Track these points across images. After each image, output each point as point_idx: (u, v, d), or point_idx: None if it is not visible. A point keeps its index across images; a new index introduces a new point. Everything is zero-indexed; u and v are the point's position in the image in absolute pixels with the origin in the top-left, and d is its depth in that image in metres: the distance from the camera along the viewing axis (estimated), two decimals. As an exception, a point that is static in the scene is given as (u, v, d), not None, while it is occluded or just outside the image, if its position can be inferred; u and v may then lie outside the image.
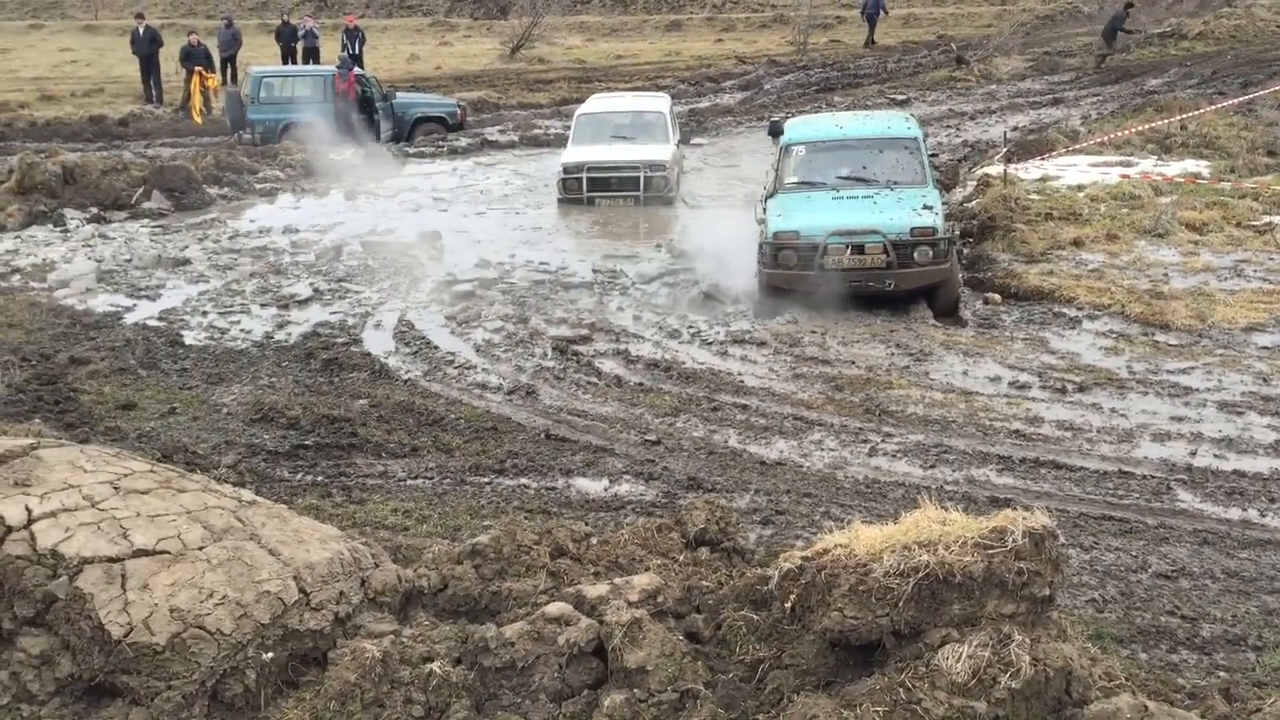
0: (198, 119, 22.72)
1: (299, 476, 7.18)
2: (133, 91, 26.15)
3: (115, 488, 3.78)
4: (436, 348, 9.90)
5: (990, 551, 3.28)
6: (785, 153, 11.60)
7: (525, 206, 15.83)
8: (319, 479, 7.14)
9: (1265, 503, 6.42)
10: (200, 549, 3.57)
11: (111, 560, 3.48)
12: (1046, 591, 3.32)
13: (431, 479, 7.15)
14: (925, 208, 10.54)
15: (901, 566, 3.28)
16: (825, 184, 11.19)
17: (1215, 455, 7.11)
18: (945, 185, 13.35)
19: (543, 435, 7.85)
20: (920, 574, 3.26)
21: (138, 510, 3.66)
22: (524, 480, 7.14)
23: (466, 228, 14.58)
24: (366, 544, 3.98)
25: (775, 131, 12.37)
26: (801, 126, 12.51)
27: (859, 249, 10.22)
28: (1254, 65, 25.11)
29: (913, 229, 10.23)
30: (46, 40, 37.11)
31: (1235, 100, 19.66)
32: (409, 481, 7.12)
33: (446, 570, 3.95)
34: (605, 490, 6.97)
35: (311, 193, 17.18)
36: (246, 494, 4.05)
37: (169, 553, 3.54)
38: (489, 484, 7.07)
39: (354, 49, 27.40)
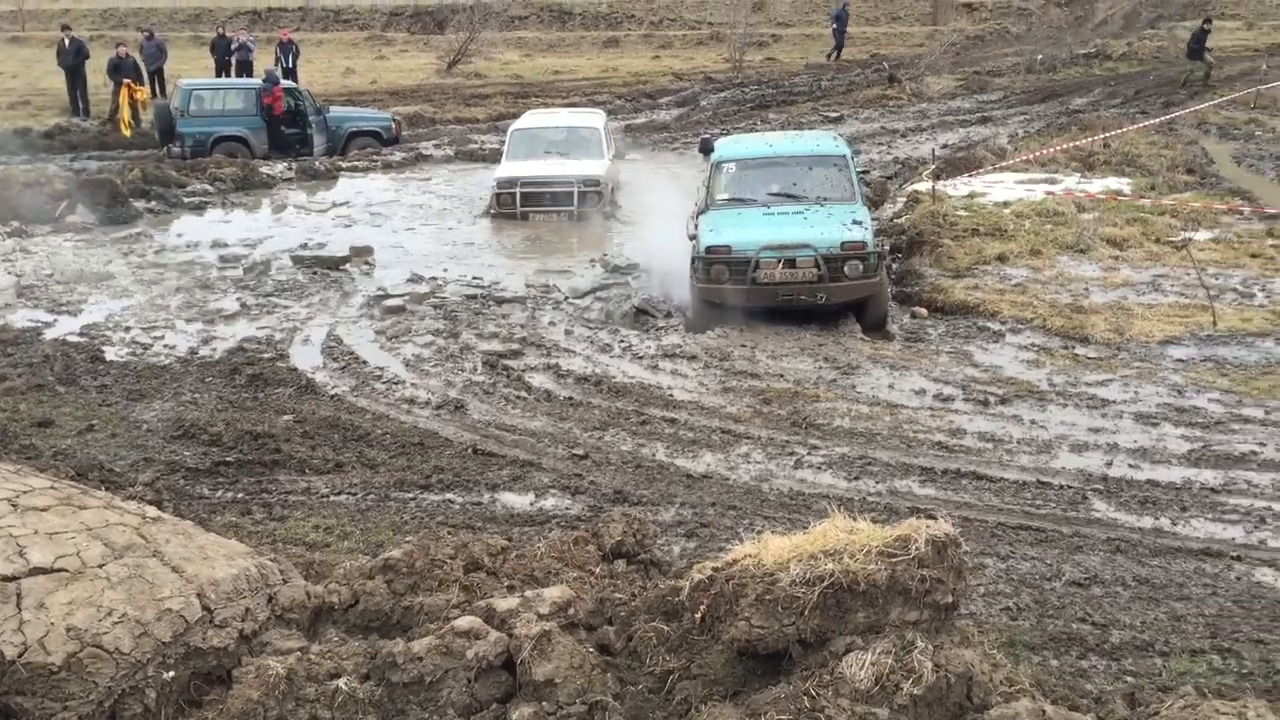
0: (126, 131, 22.36)
1: (219, 494, 7.07)
2: (59, 104, 25.67)
3: (13, 505, 3.69)
4: (365, 363, 9.81)
5: (894, 560, 3.32)
6: (716, 170, 11.69)
7: (459, 221, 15.78)
8: (240, 496, 7.03)
9: (1177, 511, 6.57)
10: (100, 566, 3.50)
11: (6, 579, 3.39)
12: (949, 598, 3.36)
13: (355, 495, 7.07)
14: (855, 223, 10.67)
15: (807, 575, 3.31)
16: (756, 200, 11.28)
17: (1130, 465, 7.26)
18: (874, 202, 13.51)
19: (470, 450, 7.80)
20: (825, 583, 3.29)
21: (36, 528, 3.58)
22: (449, 495, 7.08)
23: (400, 242, 14.49)
24: (275, 560, 3.92)
25: (706, 149, 12.45)
26: (732, 145, 12.64)
27: (790, 263, 10.31)
28: (1175, 85, 25.79)
29: (843, 243, 10.34)
30: (-29, 52, 36.30)
31: (1156, 120, 20.17)
32: (332, 498, 7.03)
33: (358, 585, 3.91)
34: (531, 505, 6.95)
35: (241, 206, 16.98)
36: (151, 510, 3.98)
37: (67, 571, 3.46)
38: (413, 500, 7.00)
39: (288, 63, 27.16)
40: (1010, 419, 8.13)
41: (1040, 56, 30.08)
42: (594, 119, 17.44)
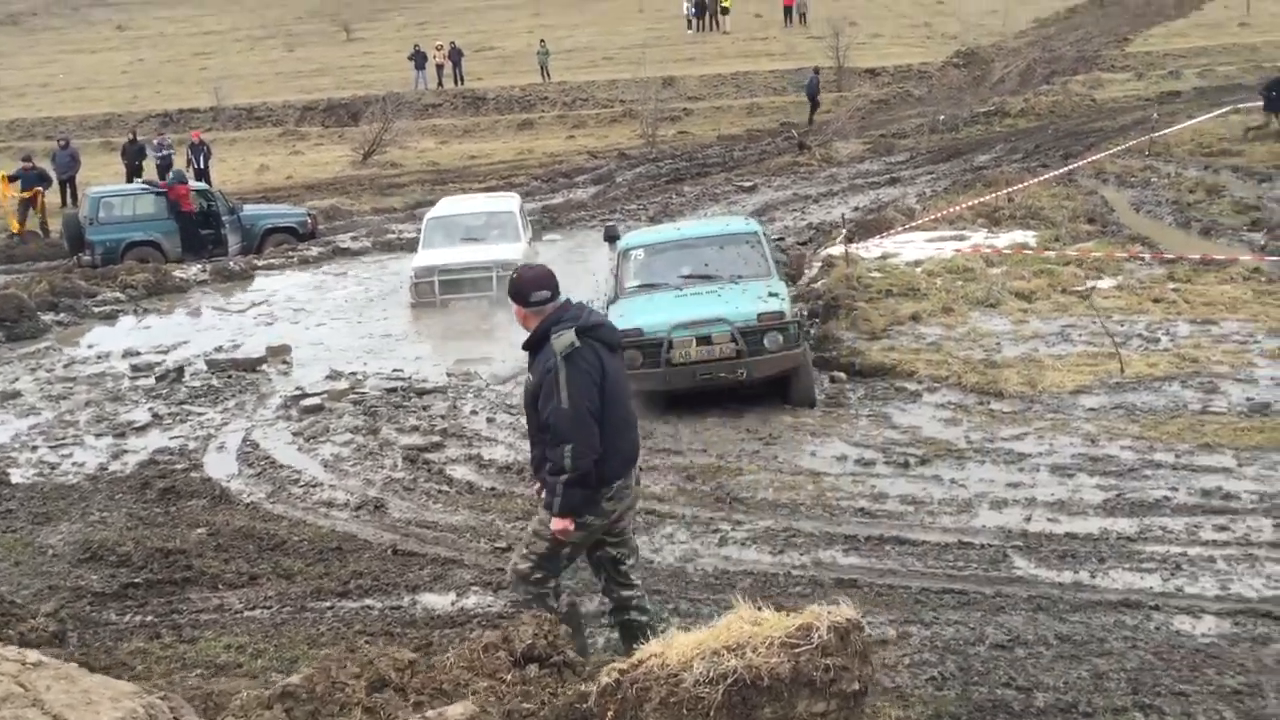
0: (15, 227, 22.14)
1: (127, 618, 6.82)
2: (-37, 219, 25.20)
3: (-118, 661, 3.51)
4: (282, 467, 9.62)
5: (797, 650, 3.27)
6: (624, 257, 11.52)
7: (379, 313, 15.68)
8: (148, 619, 6.79)
9: (1095, 563, 6.61)
10: (-25, 721, 3.33)
11: (-128, 744, 3.21)
12: (856, 686, 3.32)
13: (270, 609, 6.87)
14: (771, 295, 10.55)
15: (711, 673, 3.25)
16: (668, 284, 11.08)
17: (1049, 519, 7.30)
18: (792, 276, 13.52)
19: (389, 551, 7.65)
20: (729, 680, 3.23)
21: (-95, 684, 3.40)
22: (368, 601, 6.91)
23: (318, 339, 14.35)
24: (165, 697, 3.76)
25: (611, 237, 12.34)
26: (639, 233, 12.66)
27: (705, 340, 10.07)
28: (1072, 138, 26.60)
29: (760, 315, 10.11)
30: (-128, 169, 35.54)
31: (1056, 172, 20.77)
32: (246, 613, 6.83)
33: (255, 717, 3.76)
34: (452, 605, 6.80)
35: (155, 312, 16.71)
36: (31, 655, 3.81)
37: (-61, 729, 3.29)
38: (330, 609, 6.82)
39: (199, 164, 27.04)
40: (930, 479, 8.17)
41: (942, 117, 30.87)
42: (509, 202, 17.54)
